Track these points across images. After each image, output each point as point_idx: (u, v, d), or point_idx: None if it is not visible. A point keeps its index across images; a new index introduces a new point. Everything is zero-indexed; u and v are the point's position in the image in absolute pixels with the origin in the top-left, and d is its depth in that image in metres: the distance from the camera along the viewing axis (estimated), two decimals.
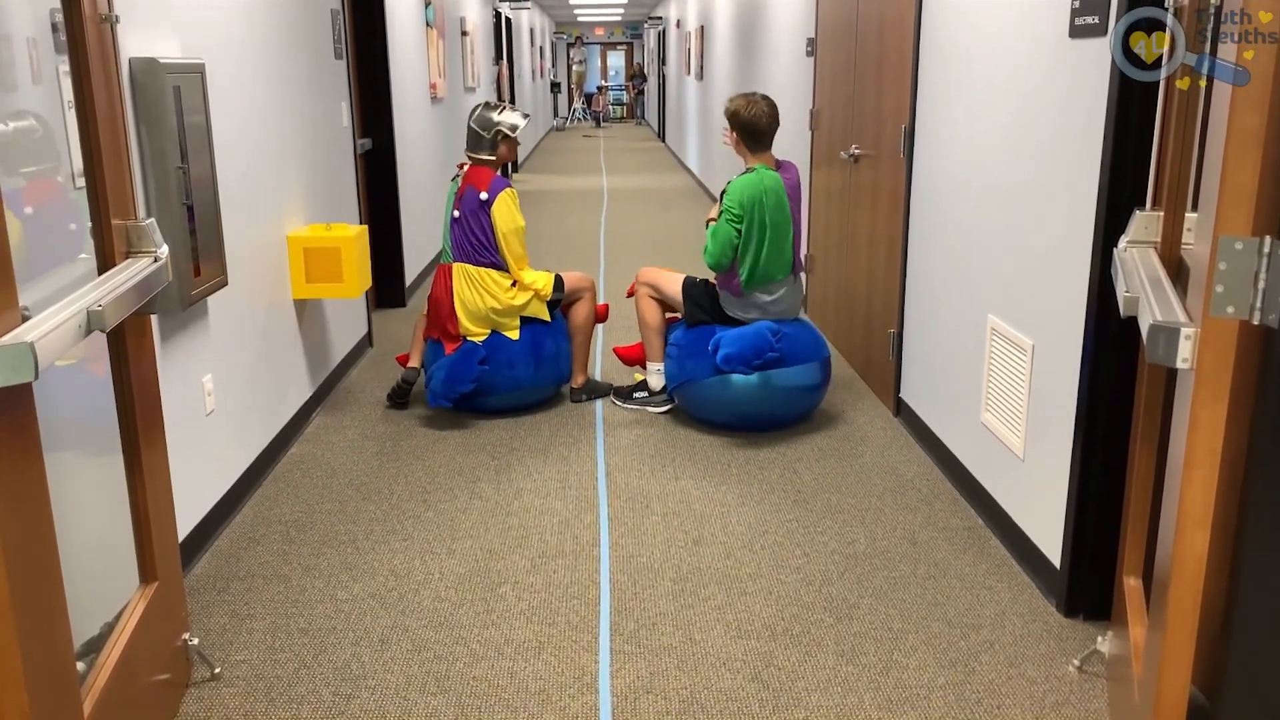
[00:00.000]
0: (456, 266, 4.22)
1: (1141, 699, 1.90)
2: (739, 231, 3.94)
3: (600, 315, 4.60)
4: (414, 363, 4.47)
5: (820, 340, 4.21)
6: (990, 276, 3.32)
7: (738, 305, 4.09)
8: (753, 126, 3.97)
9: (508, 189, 4.24)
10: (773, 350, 3.93)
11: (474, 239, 4.20)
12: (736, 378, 3.99)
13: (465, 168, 4.33)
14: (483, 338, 4.20)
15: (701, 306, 4.17)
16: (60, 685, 1.81)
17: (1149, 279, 1.86)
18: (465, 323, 4.19)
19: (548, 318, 4.30)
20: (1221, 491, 1.60)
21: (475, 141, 4.32)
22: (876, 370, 4.65)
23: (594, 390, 4.51)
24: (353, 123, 5.29)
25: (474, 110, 4.38)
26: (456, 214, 4.24)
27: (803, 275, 4.23)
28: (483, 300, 4.17)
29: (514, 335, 4.22)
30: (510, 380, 4.25)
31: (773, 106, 4.01)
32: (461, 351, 4.17)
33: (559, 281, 4.36)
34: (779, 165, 4.08)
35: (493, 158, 4.32)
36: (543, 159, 16.84)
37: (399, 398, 4.45)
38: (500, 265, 4.21)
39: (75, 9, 2.01)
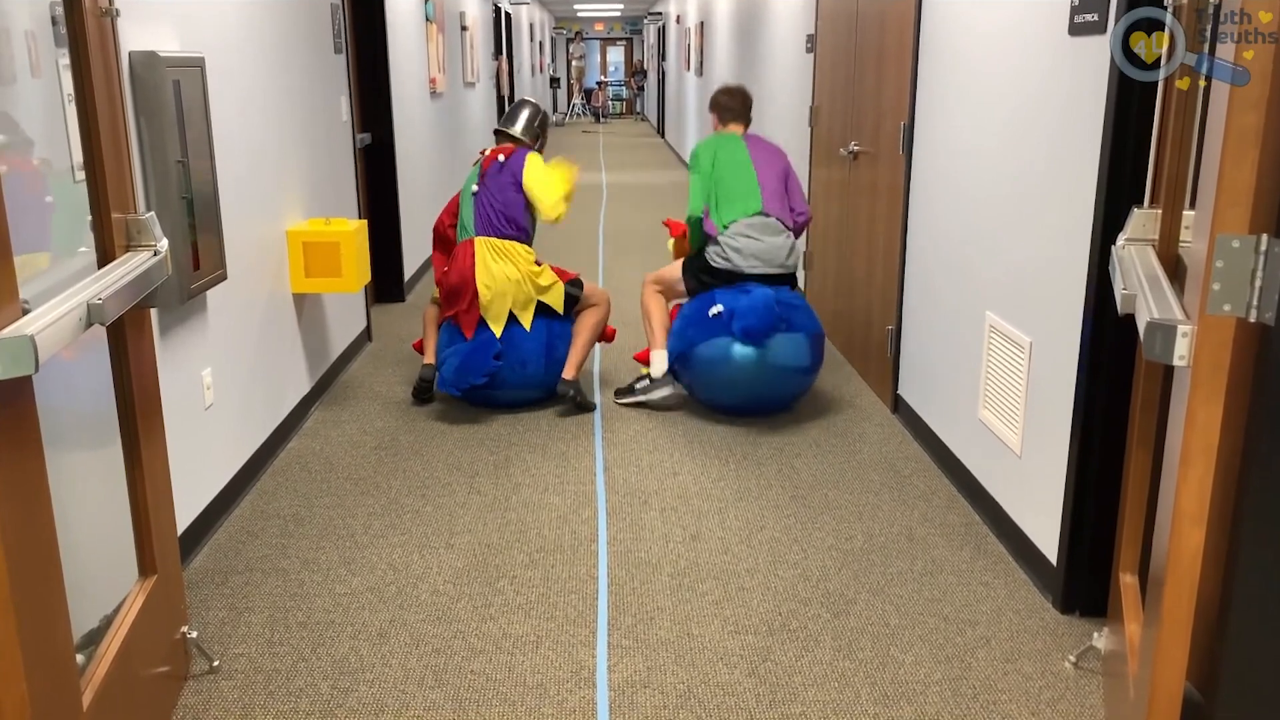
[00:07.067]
0: (480, 240, 4.25)
1: (1136, 695, 1.91)
2: (700, 176, 4.35)
3: (608, 335, 4.64)
4: (429, 358, 4.48)
5: (813, 316, 4.27)
6: (989, 273, 3.33)
7: (719, 253, 4.24)
8: (717, 102, 4.59)
9: (532, 152, 4.43)
10: (782, 319, 4.04)
11: (496, 208, 4.27)
12: (737, 350, 4.05)
13: (486, 150, 4.50)
14: (500, 324, 4.21)
15: (698, 277, 4.35)
16: (60, 677, 1.82)
17: (1147, 277, 1.87)
18: (485, 298, 4.19)
19: (561, 310, 4.35)
20: (1217, 488, 1.61)
21: (531, 127, 4.54)
22: (874, 366, 4.66)
23: (579, 393, 4.34)
24: (352, 117, 5.29)
25: (533, 104, 4.67)
26: (476, 188, 4.33)
27: (786, 231, 4.30)
28: (504, 269, 4.19)
29: (526, 324, 4.24)
30: (521, 377, 4.28)
31: (730, 93, 4.57)
32: (477, 342, 4.19)
33: (579, 280, 4.46)
34: (754, 137, 4.47)
35: (527, 140, 4.53)
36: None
37: (423, 395, 4.47)
38: (522, 238, 4.30)
39: (75, 2, 2.01)
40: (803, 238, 6.07)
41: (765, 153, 4.41)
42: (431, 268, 7.44)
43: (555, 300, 4.32)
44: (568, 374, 4.34)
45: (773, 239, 4.22)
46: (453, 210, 4.52)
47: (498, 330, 4.22)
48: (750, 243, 4.19)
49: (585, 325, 4.41)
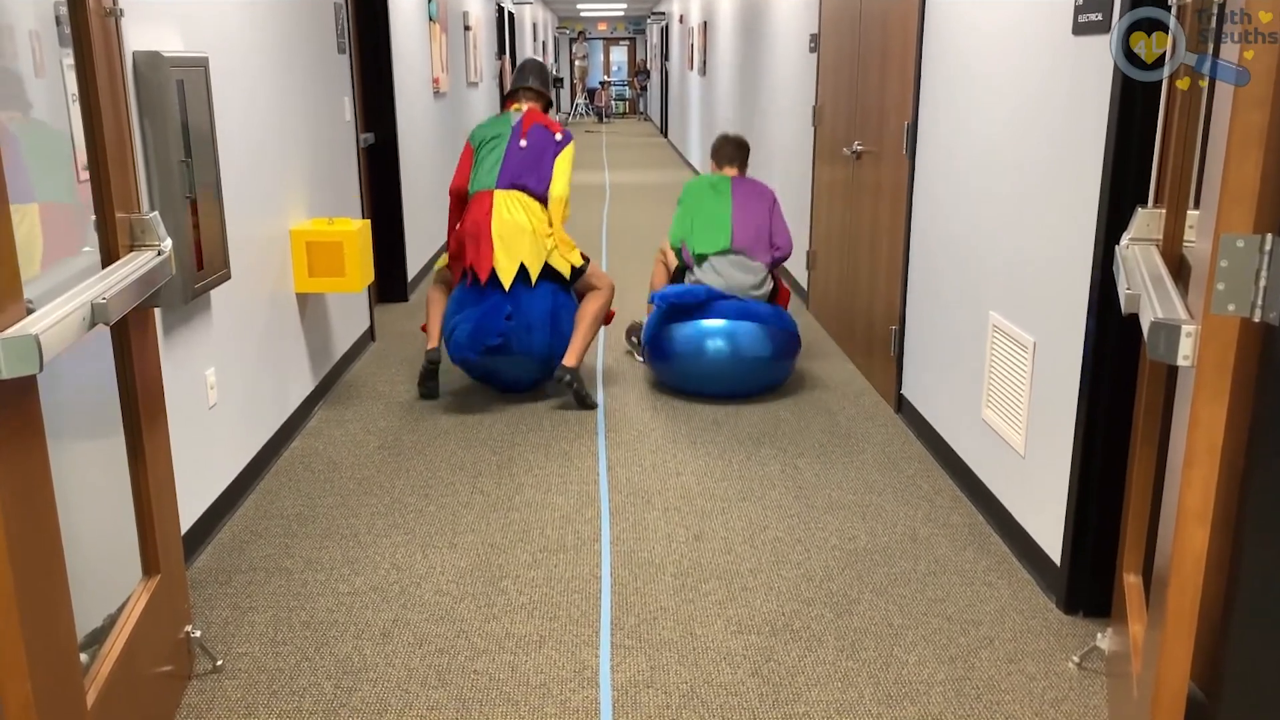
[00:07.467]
0: (499, 192, 4.35)
1: (1140, 695, 1.90)
2: (681, 211, 4.82)
3: (608, 318, 4.70)
4: (433, 342, 4.50)
5: (780, 316, 4.54)
6: (992, 273, 3.32)
7: (691, 281, 4.67)
8: (715, 148, 5.06)
9: (573, 141, 4.60)
10: (699, 299, 4.44)
11: (534, 169, 4.41)
12: (709, 345, 4.41)
13: (521, 107, 4.63)
14: (509, 275, 4.27)
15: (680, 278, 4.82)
16: (63, 676, 1.82)
17: (1150, 276, 1.86)
18: (498, 249, 4.27)
19: (567, 274, 4.44)
20: (1221, 489, 1.60)
21: (544, 80, 4.78)
22: (878, 366, 4.65)
23: (578, 381, 4.35)
24: (355, 117, 5.29)
25: (538, 61, 4.90)
26: (524, 143, 4.46)
27: (757, 264, 4.62)
28: (519, 218, 4.31)
29: (534, 274, 4.32)
30: (527, 344, 4.34)
31: (726, 140, 5.02)
32: (487, 306, 4.28)
33: (586, 259, 4.56)
34: (744, 179, 4.87)
35: (546, 91, 4.77)
36: None
37: (429, 381, 4.52)
38: (542, 202, 4.42)
39: (79, 2, 2.02)
40: (805, 252, 6.14)
41: (749, 194, 4.78)
42: (433, 270, 7.45)
43: (559, 263, 4.41)
44: (569, 361, 4.36)
45: (737, 275, 4.58)
46: (467, 169, 4.56)
47: (506, 281, 4.27)
48: (715, 277, 4.57)
49: (589, 311, 4.48)
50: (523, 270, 4.32)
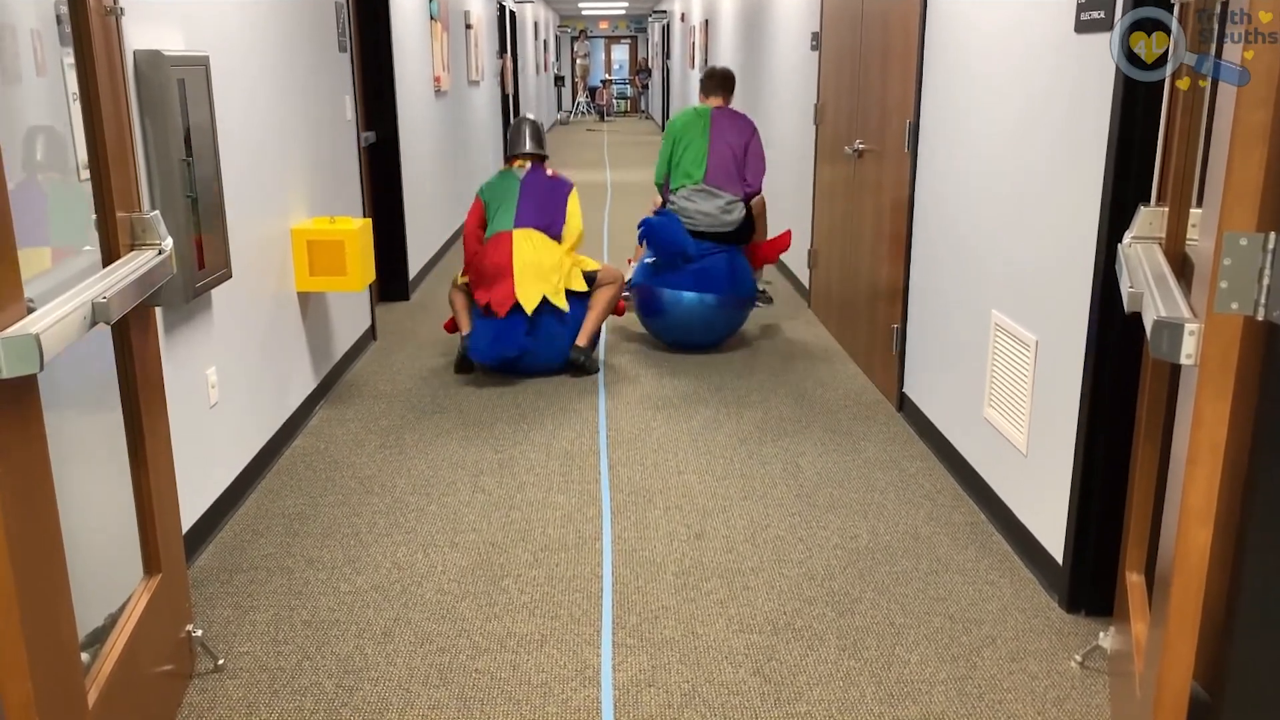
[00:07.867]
0: (518, 231, 4.73)
1: (1143, 694, 1.90)
2: (664, 149, 5.31)
3: (619, 310, 5.19)
4: (466, 328, 4.82)
5: (736, 274, 5.06)
6: (994, 272, 3.32)
7: (671, 206, 5.19)
8: (702, 80, 5.47)
9: (575, 190, 5.08)
10: (686, 250, 4.96)
11: (549, 211, 4.85)
12: (685, 296, 4.97)
13: (524, 162, 5.01)
14: (532, 305, 4.58)
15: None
16: (64, 675, 1.82)
17: (1153, 275, 1.86)
18: (521, 280, 4.59)
19: (585, 288, 4.85)
20: (1224, 488, 1.60)
21: (540, 142, 5.14)
22: (880, 365, 4.65)
23: (590, 359, 4.83)
24: (356, 116, 5.29)
25: (531, 120, 5.22)
26: (534, 184, 4.89)
27: (728, 196, 5.12)
28: (539, 256, 4.68)
29: (562, 304, 4.68)
30: (549, 355, 4.77)
31: (712, 73, 5.47)
32: (510, 318, 4.60)
33: (594, 273, 4.97)
34: (726, 110, 5.29)
35: (545, 153, 5.17)
36: None
37: (465, 367, 4.84)
38: (557, 239, 4.86)
39: (80, 1, 2.01)
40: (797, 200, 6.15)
41: (729, 129, 5.21)
42: (434, 269, 7.45)
43: (577, 283, 4.80)
44: (581, 341, 4.82)
45: (708, 203, 5.11)
46: (479, 215, 4.94)
47: (529, 307, 4.58)
48: (688, 204, 5.14)
49: (600, 300, 4.90)
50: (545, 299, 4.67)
